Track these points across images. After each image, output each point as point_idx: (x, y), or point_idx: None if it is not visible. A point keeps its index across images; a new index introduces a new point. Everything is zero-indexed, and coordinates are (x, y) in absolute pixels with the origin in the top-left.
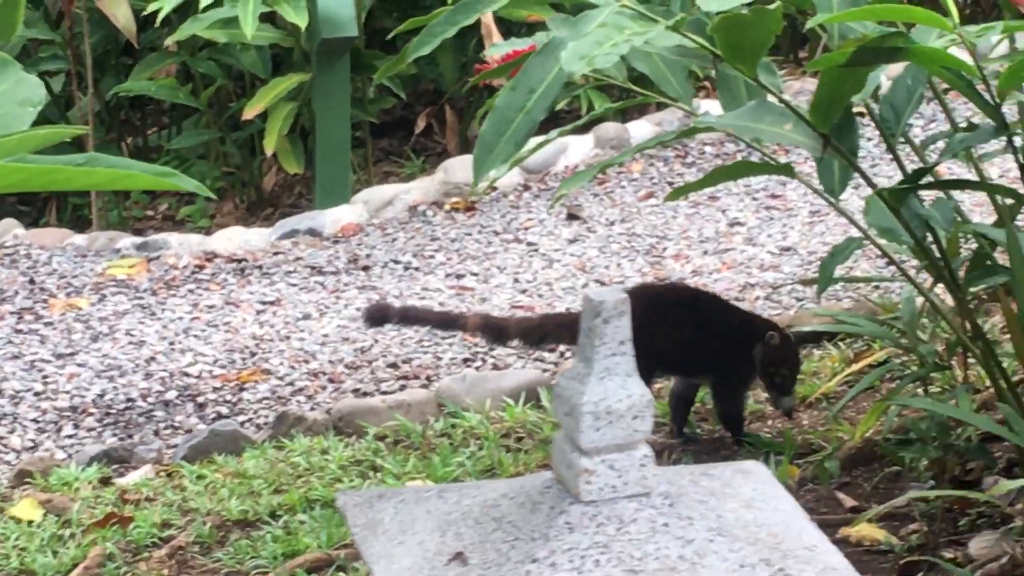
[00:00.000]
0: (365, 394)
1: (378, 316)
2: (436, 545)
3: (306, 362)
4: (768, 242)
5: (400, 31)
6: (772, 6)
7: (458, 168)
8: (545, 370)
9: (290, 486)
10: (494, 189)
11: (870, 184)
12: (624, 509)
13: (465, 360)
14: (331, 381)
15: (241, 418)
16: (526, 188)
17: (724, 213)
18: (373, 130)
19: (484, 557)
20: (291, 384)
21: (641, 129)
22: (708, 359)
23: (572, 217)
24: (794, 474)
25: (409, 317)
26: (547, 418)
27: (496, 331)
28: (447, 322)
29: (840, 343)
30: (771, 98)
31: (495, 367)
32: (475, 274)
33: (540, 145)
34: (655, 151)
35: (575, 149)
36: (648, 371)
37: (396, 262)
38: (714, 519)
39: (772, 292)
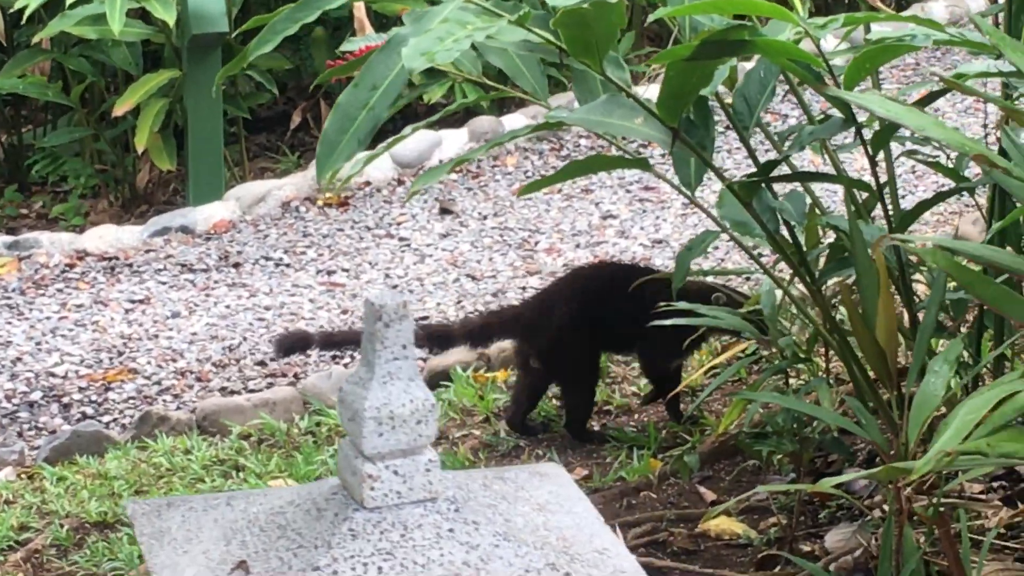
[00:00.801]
0: (232, 392)
1: (290, 345)
2: (221, 554)
3: (173, 360)
4: (640, 235)
5: (244, 29)
6: (614, 0)
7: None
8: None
9: (151, 487)
10: (368, 184)
11: (720, 177)
12: (409, 515)
13: (334, 357)
14: (198, 380)
15: (107, 418)
16: (400, 183)
17: (597, 206)
18: (251, 126)
19: (267, 565)
20: (158, 383)
21: (516, 122)
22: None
23: (445, 211)
24: (655, 468)
25: (332, 342)
26: None
27: (441, 339)
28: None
29: (711, 337)
30: None
31: None
32: (346, 270)
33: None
34: (530, 144)
35: (449, 143)
36: (594, 352)
37: (267, 259)
38: (502, 523)
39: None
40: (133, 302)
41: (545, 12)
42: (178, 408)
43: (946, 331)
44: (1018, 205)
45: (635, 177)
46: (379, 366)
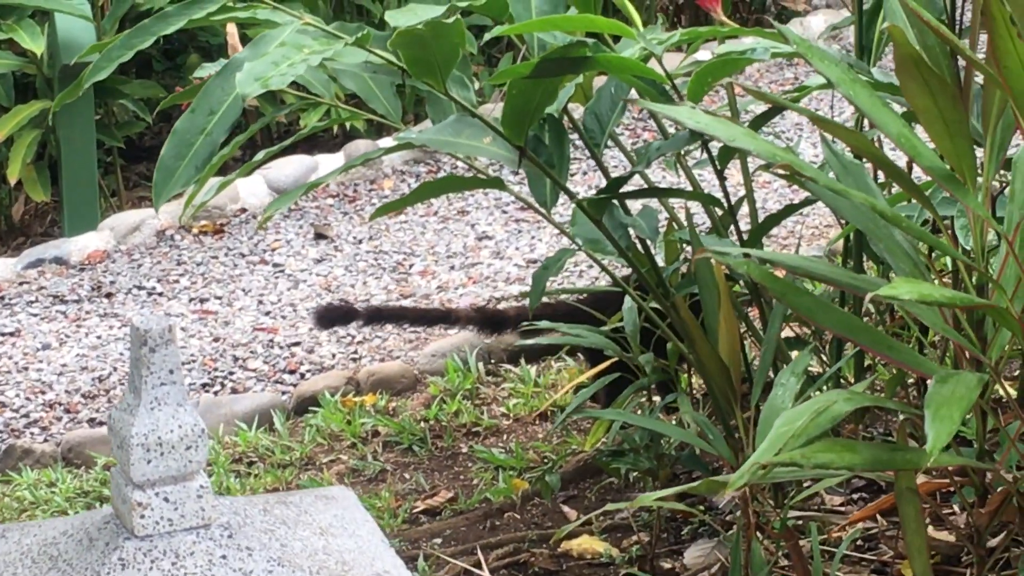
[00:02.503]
0: (100, 423)
1: (331, 318)
2: None
3: (42, 393)
4: (516, 255)
5: (81, 58)
6: (450, 20)
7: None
8: (284, 392)
9: (12, 520)
10: (243, 211)
11: (569, 195)
12: (181, 543)
13: (204, 385)
14: (67, 411)
15: None
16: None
17: (473, 227)
18: (130, 155)
19: None
20: (26, 416)
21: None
22: None
23: (320, 236)
24: (519, 489)
25: (379, 316)
26: (280, 441)
27: (494, 322)
28: (431, 318)
29: (579, 354)
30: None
31: (234, 390)
32: (219, 297)
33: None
34: (407, 167)
35: (326, 167)
36: None
37: (140, 288)
38: (278, 549)
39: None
40: (3, 335)
41: (387, 33)
42: (45, 440)
43: (807, 345)
44: None
45: (511, 198)
46: (146, 392)
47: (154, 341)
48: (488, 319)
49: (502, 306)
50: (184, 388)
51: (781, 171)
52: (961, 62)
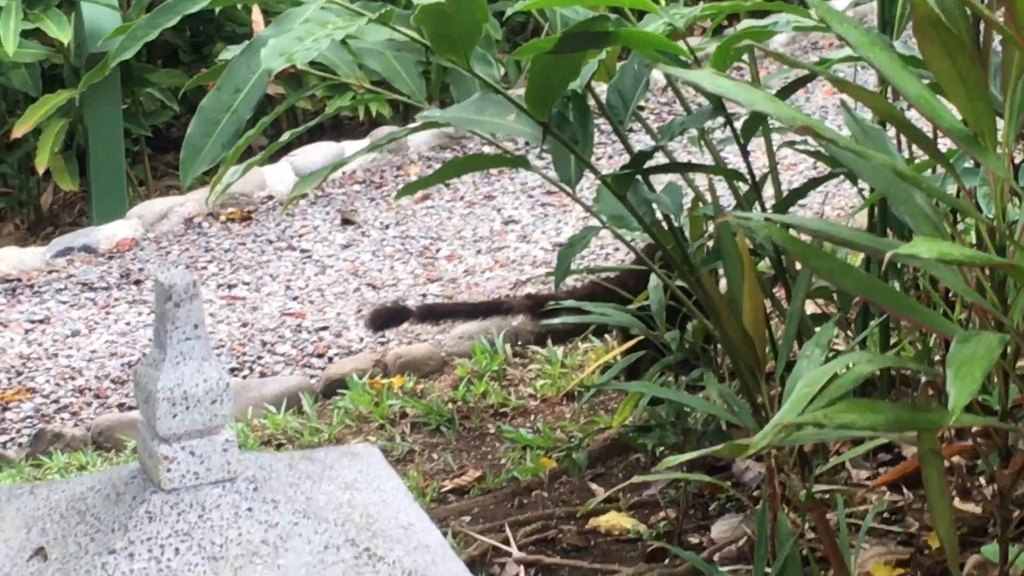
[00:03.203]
0: (130, 408)
1: (384, 320)
2: (20, 542)
3: (72, 379)
4: (542, 239)
5: (106, 40)
6: None
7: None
8: (312, 376)
9: None
10: (270, 198)
11: (593, 171)
12: (207, 496)
13: (232, 370)
14: (96, 397)
15: (3, 438)
16: (303, 196)
17: (499, 212)
18: (158, 144)
19: (64, 551)
20: (56, 402)
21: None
22: None
23: (347, 222)
24: (547, 467)
25: (432, 314)
26: (308, 423)
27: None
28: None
29: (607, 335)
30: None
31: (262, 374)
32: (247, 283)
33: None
34: (433, 153)
35: (352, 153)
36: None
37: None
38: (303, 502)
39: (544, 287)
40: (33, 322)
41: (410, 12)
42: (75, 425)
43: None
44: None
45: (537, 182)
46: (171, 347)
47: (179, 296)
48: (539, 304)
49: (547, 290)
50: (209, 343)
51: (801, 133)
52: (982, 25)
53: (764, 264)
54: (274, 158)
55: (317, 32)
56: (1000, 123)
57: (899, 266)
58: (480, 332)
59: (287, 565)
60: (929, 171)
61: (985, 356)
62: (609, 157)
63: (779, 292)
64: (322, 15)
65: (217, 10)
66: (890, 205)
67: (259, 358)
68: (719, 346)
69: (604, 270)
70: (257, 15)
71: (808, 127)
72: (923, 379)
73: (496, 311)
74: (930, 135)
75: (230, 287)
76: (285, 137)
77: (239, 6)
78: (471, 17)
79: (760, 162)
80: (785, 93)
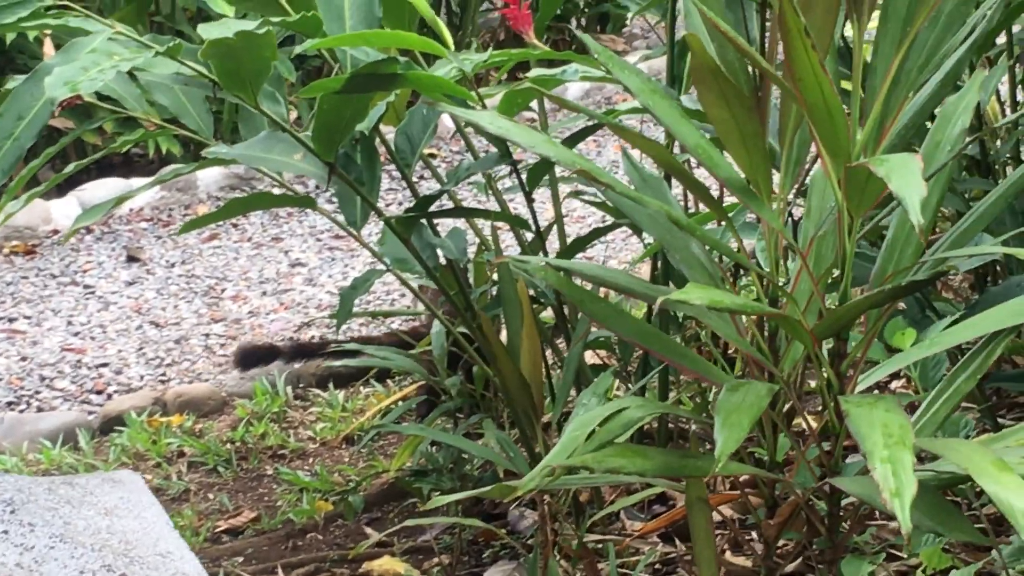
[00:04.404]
0: None
1: (254, 359)
2: None
3: None
4: (328, 282)
5: None
6: (262, 31)
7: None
8: (91, 412)
9: None
10: (55, 232)
11: (379, 213)
12: None
13: (9, 403)
14: None
15: None
16: (88, 231)
17: (287, 254)
18: None
19: None
20: None
21: (209, 170)
22: None
23: (132, 259)
24: (322, 510)
25: (300, 352)
26: (84, 459)
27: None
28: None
29: (389, 380)
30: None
31: (40, 409)
32: (28, 317)
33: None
34: (222, 193)
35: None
36: None
37: None
38: (60, 526)
39: (327, 331)
40: None
41: (199, 46)
42: None
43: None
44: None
45: (326, 226)
46: None
47: None
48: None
49: (331, 334)
50: None
51: (581, 176)
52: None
53: (548, 314)
54: (61, 192)
55: (103, 63)
56: (777, 175)
57: (680, 319)
58: (262, 373)
59: None
60: (714, 224)
61: (754, 405)
62: (399, 204)
63: (561, 343)
64: (109, 46)
65: (8, 41)
66: (667, 253)
67: (37, 392)
68: (500, 393)
69: (388, 314)
70: (49, 47)
71: (586, 171)
72: (694, 428)
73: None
74: (716, 192)
75: (11, 320)
76: (70, 168)
77: (31, 38)
78: (259, 54)
79: (549, 213)
80: (571, 142)
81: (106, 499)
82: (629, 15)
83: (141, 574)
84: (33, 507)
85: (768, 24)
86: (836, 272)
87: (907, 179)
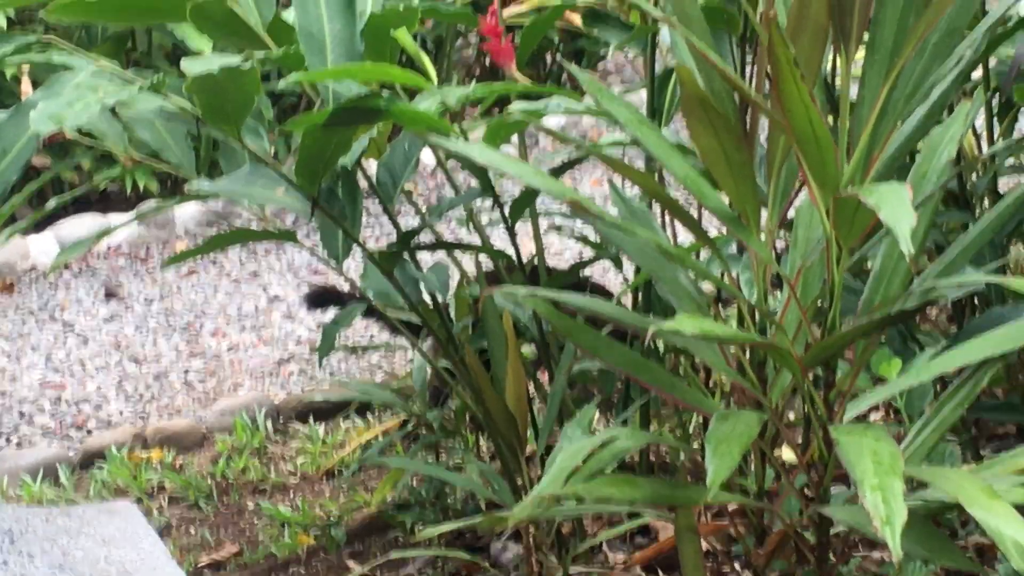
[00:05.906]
0: None
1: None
2: None
3: None
4: (307, 318)
5: None
6: (246, 66)
7: None
8: (71, 448)
9: None
10: (34, 268)
11: (361, 247)
12: None
13: None
14: None
15: None
16: (67, 267)
17: (265, 290)
18: None
19: None
20: None
21: (188, 207)
22: None
23: (110, 295)
24: (304, 543)
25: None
26: (65, 495)
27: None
28: None
29: (369, 414)
30: None
31: (19, 445)
32: (7, 353)
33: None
34: (200, 229)
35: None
36: None
37: None
38: (59, 556)
39: (307, 366)
40: None
41: (182, 82)
42: None
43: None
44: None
45: (304, 262)
46: None
47: None
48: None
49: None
50: None
51: (571, 207)
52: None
53: (529, 349)
54: (39, 229)
55: (88, 97)
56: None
57: (662, 352)
58: (242, 408)
59: None
60: (701, 254)
61: (744, 434)
62: (376, 239)
63: (543, 376)
64: (93, 80)
65: None
66: (655, 283)
67: (17, 428)
68: (482, 426)
69: (370, 348)
70: (27, 85)
71: (577, 202)
72: (681, 458)
73: None
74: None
75: None
76: (52, 204)
77: (8, 76)
78: (243, 89)
79: (528, 248)
80: (554, 175)
81: (103, 529)
82: (609, 50)
83: None
84: (32, 537)
85: (749, 57)
86: (821, 303)
87: (897, 208)
